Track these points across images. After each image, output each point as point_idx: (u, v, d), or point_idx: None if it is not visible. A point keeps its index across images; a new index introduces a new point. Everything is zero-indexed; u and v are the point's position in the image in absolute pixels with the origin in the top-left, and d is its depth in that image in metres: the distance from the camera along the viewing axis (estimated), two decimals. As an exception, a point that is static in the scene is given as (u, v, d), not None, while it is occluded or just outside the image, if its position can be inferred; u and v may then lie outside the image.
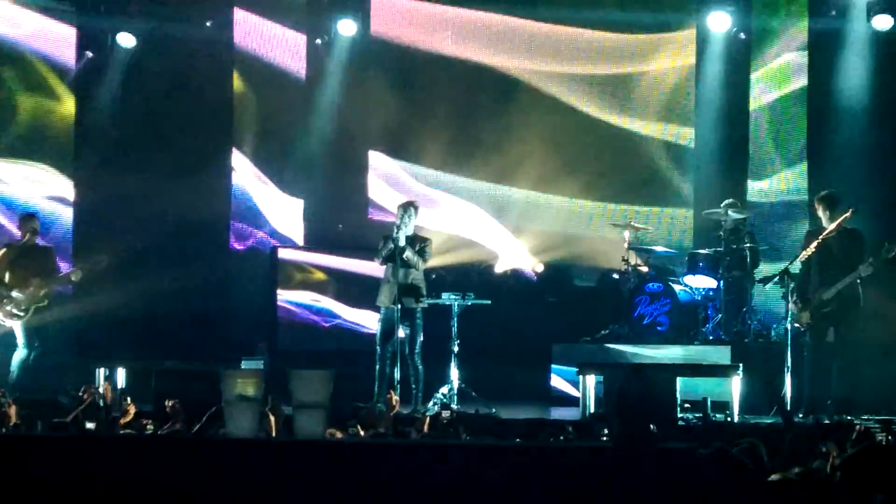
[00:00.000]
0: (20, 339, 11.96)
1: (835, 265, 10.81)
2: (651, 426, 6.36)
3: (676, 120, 14.58)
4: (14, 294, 11.91)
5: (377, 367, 11.62)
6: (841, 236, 10.84)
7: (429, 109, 14.79)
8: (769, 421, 10.20)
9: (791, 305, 10.92)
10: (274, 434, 7.06)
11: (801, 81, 13.76)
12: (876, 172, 12.71)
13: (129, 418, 8.32)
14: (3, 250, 12.18)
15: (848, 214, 10.78)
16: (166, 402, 8.36)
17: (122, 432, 7.91)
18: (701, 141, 14.31)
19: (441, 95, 14.79)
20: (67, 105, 14.70)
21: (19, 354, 11.93)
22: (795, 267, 11.05)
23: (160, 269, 13.88)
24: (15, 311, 11.91)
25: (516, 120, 14.68)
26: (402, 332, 11.50)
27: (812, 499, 5.89)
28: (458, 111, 14.74)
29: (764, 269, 12.72)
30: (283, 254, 14.56)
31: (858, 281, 10.74)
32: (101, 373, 11.59)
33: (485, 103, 14.82)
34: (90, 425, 8.11)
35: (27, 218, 12.40)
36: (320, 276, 14.41)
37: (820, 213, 10.95)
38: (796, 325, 10.92)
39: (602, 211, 14.50)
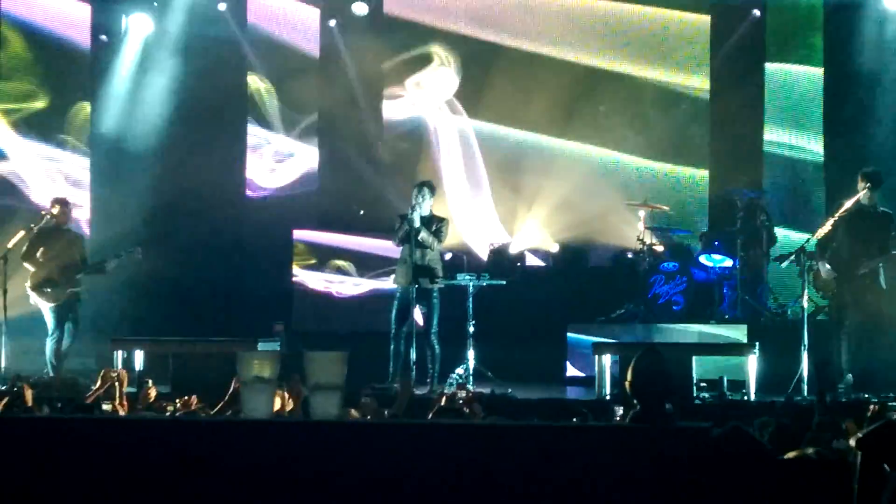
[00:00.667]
0: (50, 322, 12.03)
1: (864, 243, 10.75)
2: (667, 405, 6.37)
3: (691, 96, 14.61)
4: (54, 276, 11.98)
5: (392, 347, 11.63)
6: (876, 216, 10.79)
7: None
8: (782, 400, 10.20)
9: (822, 269, 10.82)
10: (289, 413, 7.10)
11: (818, 55, 13.69)
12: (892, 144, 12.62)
13: (150, 400, 8.37)
14: (35, 230, 12.19)
15: (861, 194, 10.72)
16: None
17: (141, 414, 7.95)
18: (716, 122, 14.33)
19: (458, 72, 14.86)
20: (82, 87, 14.75)
21: (51, 340, 12.00)
22: (811, 244, 11.00)
23: (176, 250, 13.91)
24: (51, 291, 11.98)
25: (534, 90, 14.72)
26: (418, 313, 11.51)
27: (827, 477, 5.89)
28: (474, 88, 14.78)
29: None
30: (299, 234, 14.57)
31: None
32: (119, 355, 11.63)
33: (501, 77, 14.81)
34: (106, 407, 8.17)
35: (62, 202, 12.42)
36: (336, 254, 14.41)
37: (860, 188, 10.81)
38: (819, 291, 10.83)
39: (623, 180, 14.47)
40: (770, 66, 14.08)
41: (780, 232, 13.27)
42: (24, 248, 12.08)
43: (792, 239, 13.07)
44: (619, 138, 14.63)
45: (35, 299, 12.07)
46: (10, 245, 11.94)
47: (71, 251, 12.18)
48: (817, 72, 13.79)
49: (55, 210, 12.28)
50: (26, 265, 12.08)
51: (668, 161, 14.59)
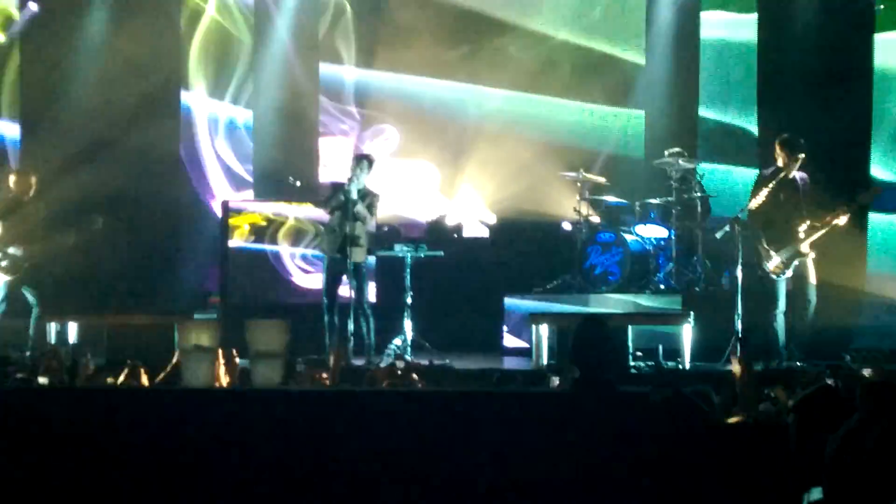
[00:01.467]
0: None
1: (791, 210, 10.82)
2: (605, 373, 6.43)
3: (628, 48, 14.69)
4: (11, 250, 11.76)
5: (325, 318, 11.60)
6: (795, 181, 10.84)
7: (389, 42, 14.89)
8: (721, 369, 10.31)
9: (763, 251, 10.85)
10: (226, 384, 7.08)
11: (752, 16, 13.71)
12: (825, 110, 12.67)
13: (88, 372, 8.29)
14: None
15: (781, 162, 10.77)
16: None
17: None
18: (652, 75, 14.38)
19: (405, 36, 14.82)
20: (13, 55, 14.53)
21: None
22: (745, 215, 11.02)
23: (109, 222, 13.73)
24: (9, 266, 11.76)
25: (479, 49, 14.76)
26: (348, 286, 11.46)
27: (764, 441, 5.99)
28: (420, 53, 14.78)
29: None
30: (234, 205, 14.44)
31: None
32: (53, 327, 11.49)
33: (448, 37, 14.80)
34: (43, 380, 8.07)
35: (23, 174, 12.17)
36: (272, 224, 14.28)
37: (779, 156, 10.88)
38: (773, 275, 10.83)
39: (559, 148, 14.49)
40: (705, 25, 14.05)
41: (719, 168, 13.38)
42: None
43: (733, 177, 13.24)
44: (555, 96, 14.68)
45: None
46: None
47: (30, 224, 11.93)
48: (751, 33, 13.74)
49: (12, 181, 12.06)
50: None
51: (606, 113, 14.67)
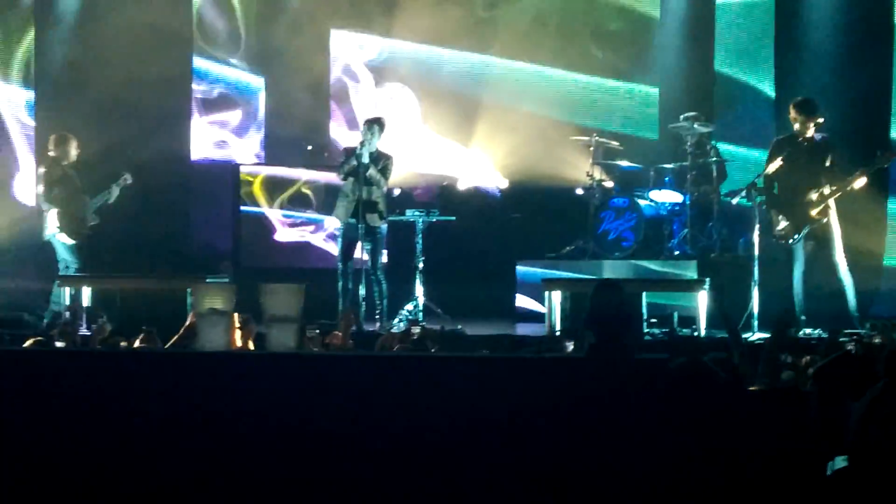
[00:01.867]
0: (73, 262, 11.89)
1: (807, 174, 10.69)
2: (622, 339, 6.38)
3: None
4: (76, 214, 11.90)
5: (339, 283, 11.60)
6: (814, 145, 10.70)
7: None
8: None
9: (774, 216, 10.75)
10: (242, 348, 7.04)
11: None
12: (844, 76, 12.50)
13: (104, 335, 8.27)
14: (44, 169, 12.11)
15: (797, 126, 10.64)
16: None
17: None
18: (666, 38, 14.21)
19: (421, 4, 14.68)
20: (27, 31, 14.47)
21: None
22: (761, 181, 10.91)
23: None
24: (76, 230, 11.88)
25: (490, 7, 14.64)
26: (362, 251, 11.42)
27: (786, 408, 5.93)
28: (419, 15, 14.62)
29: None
30: (246, 171, 14.39)
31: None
32: (67, 292, 11.48)
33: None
34: (60, 344, 8.06)
35: (65, 139, 12.17)
36: (284, 190, 14.26)
37: (796, 120, 10.73)
38: (782, 240, 10.74)
39: (573, 111, 14.36)
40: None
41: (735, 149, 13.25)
42: (42, 190, 11.98)
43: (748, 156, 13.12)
44: (572, 62, 14.53)
45: (63, 238, 11.87)
46: None
47: (79, 187, 12.04)
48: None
49: (51, 145, 12.09)
50: (46, 207, 11.94)
51: (619, 88, 14.51)
